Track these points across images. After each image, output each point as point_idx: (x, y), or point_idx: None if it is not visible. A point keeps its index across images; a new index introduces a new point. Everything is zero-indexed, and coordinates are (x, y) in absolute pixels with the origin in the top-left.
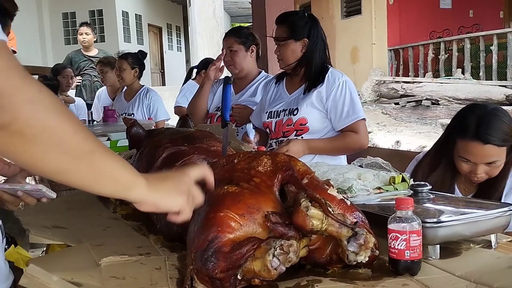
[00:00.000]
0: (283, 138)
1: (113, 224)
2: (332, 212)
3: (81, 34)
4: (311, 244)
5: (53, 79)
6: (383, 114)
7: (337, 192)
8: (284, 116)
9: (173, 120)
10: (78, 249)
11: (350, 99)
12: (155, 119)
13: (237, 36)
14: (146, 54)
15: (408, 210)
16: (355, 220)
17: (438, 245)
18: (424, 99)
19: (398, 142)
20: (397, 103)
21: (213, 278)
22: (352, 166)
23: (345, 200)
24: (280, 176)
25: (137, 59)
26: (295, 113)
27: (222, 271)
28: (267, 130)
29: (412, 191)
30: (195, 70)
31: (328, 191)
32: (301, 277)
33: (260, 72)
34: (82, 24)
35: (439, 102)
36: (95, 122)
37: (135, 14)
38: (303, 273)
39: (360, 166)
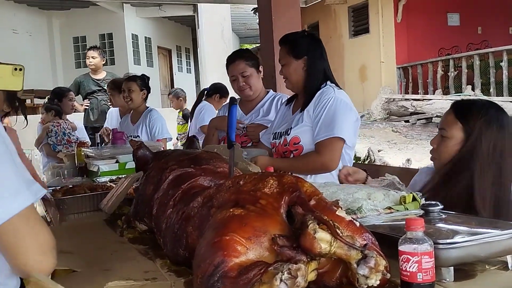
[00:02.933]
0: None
1: (120, 248)
2: (341, 235)
3: (88, 58)
4: (320, 267)
5: (56, 104)
6: (393, 132)
7: (346, 213)
8: (281, 137)
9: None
10: (84, 274)
11: (331, 116)
12: (155, 138)
13: (246, 60)
14: (149, 78)
15: (418, 231)
16: (365, 242)
17: (452, 267)
18: (434, 116)
19: (408, 160)
20: (407, 121)
21: None
22: (361, 186)
23: (354, 221)
24: (286, 197)
25: (144, 82)
26: (288, 132)
27: None
28: (273, 150)
29: (423, 211)
30: (206, 92)
31: (337, 213)
32: None
33: (268, 91)
34: (90, 48)
35: None
36: (103, 144)
37: (145, 37)
38: None
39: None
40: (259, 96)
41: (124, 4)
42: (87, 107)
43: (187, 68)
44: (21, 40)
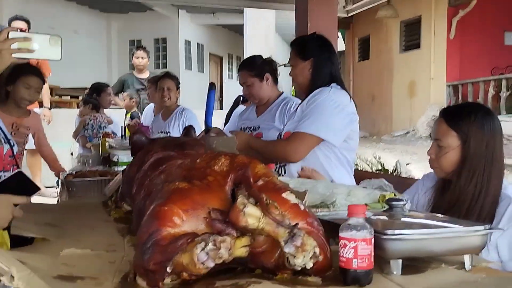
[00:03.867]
0: None
1: (102, 225)
2: (274, 213)
3: (137, 58)
4: (257, 246)
5: (94, 98)
6: None
7: (296, 198)
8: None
9: None
10: (53, 243)
11: (313, 112)
12: None
13: (249, 70)
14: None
15: (359, 218)
16: (296, 222)
17: (401, 260)
18: None
19: None
20: None
21: (147, 270)
22: (348, 185)
23: (299, 205)
24: (233, 175)
25: (178, 81)
26: (284, 128)
27: (155, 264)
28: None
29: (387, 206)
30: (241, 98)
31: (283, 194)
32: (244, 278)
33: (281, 94)
34: (138, 48)
35: None
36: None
37: (198, 43)
38: (248, 275)
39: (364, 187)
40: (270, 99)
41: (179, 10)
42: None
43: (236, 76)
44: (80, 40)
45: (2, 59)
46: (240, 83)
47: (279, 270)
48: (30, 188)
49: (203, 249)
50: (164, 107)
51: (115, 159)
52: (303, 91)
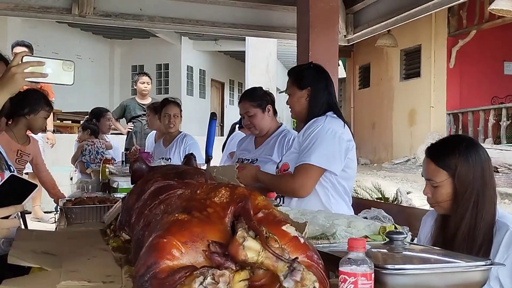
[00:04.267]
0: None
1: (99, 254)
2: (273, 246)
3: (142, 83)
4: (256, 280)
5: (93, 123)
6: None
7: (296, 230)
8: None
9: None
10: (50, 274)
11: (309, 143)
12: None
13: (251, 100)
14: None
15: (359, 252)
16: (295, 256)
17: None
18: None
19: None
20: None
21: None
22: (349, 216)
23: (299, 238)
24: (233, 207)
25: (181, 107)
26: (281, 159)
27: None
28: None
29: (388, 239)
30: (237, 126)
31: (283, 227)
32: None
33: (280, 126)
34: (142, 74)
35: (499, 169)
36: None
37: (200, 69)
38: None
39: (365, 217)
40: (269, 131)
41: (182, 37)
42: (131, 130)
43: (238, 102)
44: (83, 65)
45: (15, 83)
46: (240, 114)
47: None
48: (27, 188)
49: (201, 283)
50: (168, 133)
51: (115, 185)
52: (300, 119)
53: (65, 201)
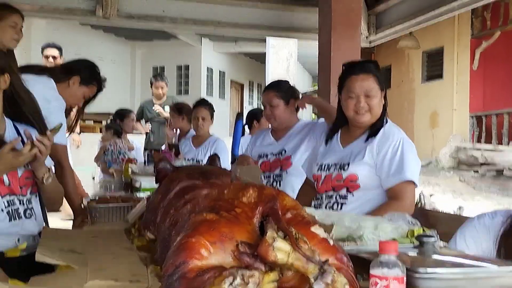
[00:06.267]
0: (333, 192)
1: (124, 253)
2: (303, 247)
3: (157, 88)
4: (285, 281)
5: (116, 124)
6: (460, 181)
7: (343, 240)
8: (334, 170)
9: None
10: (77, 272)
11: (400, 158)
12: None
13: (276, 91)
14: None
15: (391, 255)
16: (326, 259)
17: None
18: (507, 169)
19: (460, 208)
20: (476, 171)
21: None
22: (375, 217)
23: (328, 239)
24: (261, 208)
25: (213, 109)
26: (345, 168)
27: None
28: (316, 183)
29: (418, 242)
30: (246, 126)
31: (311, 228)
32: None
33: (299, 121)
34: (157, 77)
35: None
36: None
37: (219, 70)
38: None
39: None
40: (289, 125)
41: (202, 38)
42: (148, 132)
43: (257, 102)
44: (105, 67)
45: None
46: (263, 103)
47: None
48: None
49: (231, 283)
50: (197, 135)
51: (137, 184)
52: (367, 125)
53: (89, 200)
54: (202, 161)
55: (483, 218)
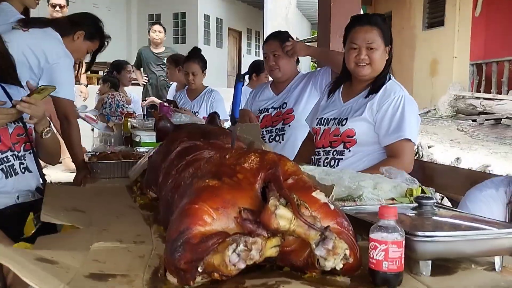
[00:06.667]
0: (330, 148)
1: (127, 212)
2: (305, 214)
3: (154, 32)
4: (287, 245)
5: (113, 76)
6: (458, 130)
7: (346, 199)
8: (333, 125)
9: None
10: (82, 232)
11: (400, 116)
12: None
13: (280, 41)
14: (200, 50)
15: (390, 220)
16: (327, 225)
17: (430, 261)
18: (505, 118)
19: (458, 159)
20: (474, 120)
21: (178, 269)
22: (374, 176)
23: (329, 204)
24: (263, 174)
25: (204, 63)
26: (343, 123)
27: (186, 262)
28: (315, 136)
29: (416, 204)
30: (247, 77)
31: (313, 194)
32: (273, 277)
33: (298, 73)
34: (155, 23)
35: None
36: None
37: (217, 17)
38: (277, 274)
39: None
40: (290, 77)
41: None
42: (146, 83)
43: (255, 51)
44: (100, 14)
45: None
46: (265, 55)
47: (308, 269)
48: None
49: (234, 250)
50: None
51: (137, 139)
52: (368, 78)
53: (90, 155)
54: (198, 113)
55: (486, 190)
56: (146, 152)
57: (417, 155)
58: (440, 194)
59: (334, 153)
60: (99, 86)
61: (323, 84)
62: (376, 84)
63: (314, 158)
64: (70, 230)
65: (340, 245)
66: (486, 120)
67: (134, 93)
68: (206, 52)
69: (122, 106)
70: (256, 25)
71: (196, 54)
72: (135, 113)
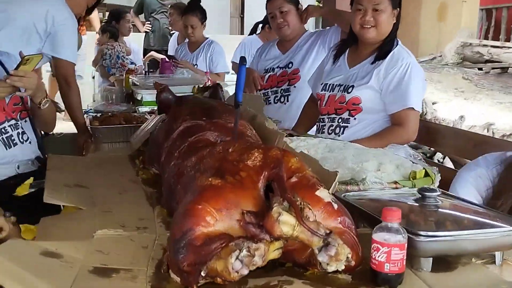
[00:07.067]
0: (335, 115)
1: (130, 188)
2: (307, 220)
3: None
4: (290, 244)
5: (112, 26)
6: (463, 79)
7: (348, 182)
8: (338, 92)
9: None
10: (85, 215)
11: (406, 84)
12: (214, 71)
13: None
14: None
15: (393, 223)
16: (329, 231)
17: (431, 258)
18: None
19: (462, 117)
20: (480, 69)
21: (181, 270)
22: (377, 153)
23: (333, 203)
24: (266, 173)
25: (203, 14)
26: (349, 90)
27: (189, 265)
28: (319, 102)
29: (420, 195)
30: (260, 25)
31: (316, 192)
32: (275, 275)
33: (306, 31)
34: None
35: None
36: (150, 73)
37: None
38: (279, 271)
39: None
40: (297, 35)
41: None
42: (148, 30)
43: None
44: None
45: None
46: (271, 13)
47: (310, 266)
48: None
49: (237, 257)
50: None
51: (139, 97)
52: (374, 42)
53: (91, 117)
54: (197, 65)
55: (476, 169)
56: (148, 113)
57: (421, 112)
58: (442, 156)
59: (340, 120)
60: (97, 37)
61: (331, 43)
62: (383, 50)
63: (319, 124)
64: (73, 210)
65: (343, 251)
66: (493, 68)
67: (134, 43)
68: None
69: (122, 57)
70: None
71: (194, 6)
72: (136, 66)
